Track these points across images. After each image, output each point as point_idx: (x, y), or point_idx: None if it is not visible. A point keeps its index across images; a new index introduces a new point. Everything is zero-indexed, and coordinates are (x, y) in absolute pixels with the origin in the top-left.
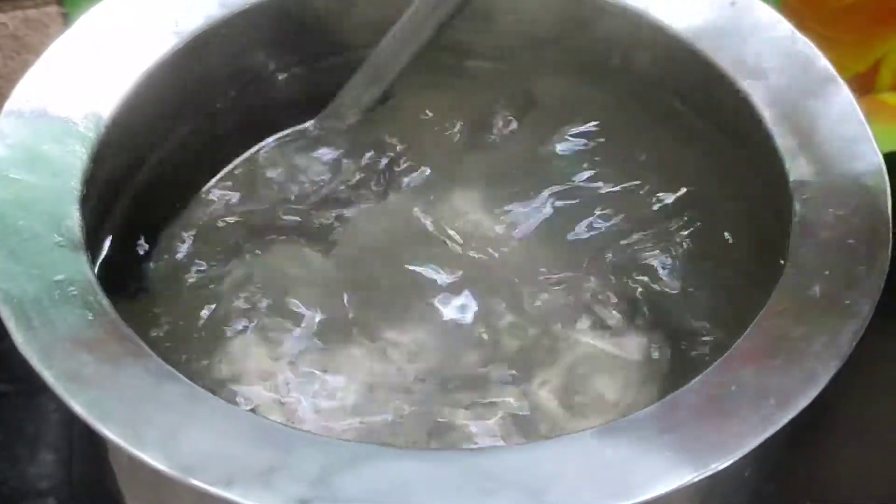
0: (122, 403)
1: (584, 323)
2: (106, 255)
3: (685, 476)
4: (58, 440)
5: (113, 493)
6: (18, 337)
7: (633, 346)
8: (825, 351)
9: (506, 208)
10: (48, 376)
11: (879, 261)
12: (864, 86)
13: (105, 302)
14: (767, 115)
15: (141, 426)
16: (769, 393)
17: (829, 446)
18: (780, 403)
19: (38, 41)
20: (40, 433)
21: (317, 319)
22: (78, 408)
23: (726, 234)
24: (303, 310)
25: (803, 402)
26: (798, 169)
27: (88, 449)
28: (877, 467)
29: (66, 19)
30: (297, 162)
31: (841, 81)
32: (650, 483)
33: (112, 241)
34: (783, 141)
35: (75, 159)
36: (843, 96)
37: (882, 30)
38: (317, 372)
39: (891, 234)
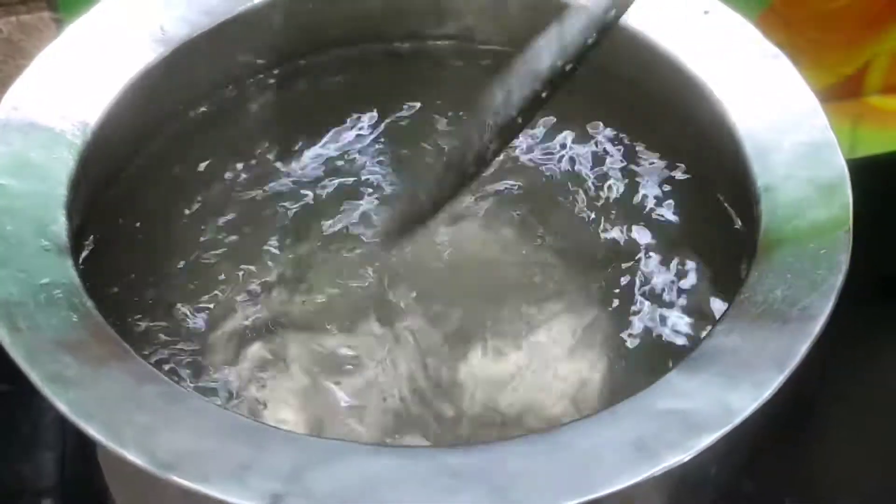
0: (105, 403)
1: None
2: (89, 258)
3: (645, 471)
4: (54, 440)
5: (101, 491)
6: (6, 338)
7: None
8: (783, 353)
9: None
10: (34, 377)
11: (839, 264)
12: (852, 89)
13: (89, 304)
14: (737, 122)
15: (122, 425)
16: (727, 393)
17: (810, 446)
18: (736, 404)
19: (32, 46)
20: (37, 432)
21: None
22: (62, 407)
23: (692, 238)
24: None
25: (757, 402)
26: (765, 175)
27: (79, 448)
28: (858, 467)
29: (60, 25)
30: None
31: (809, 89)
32: (611, 479)
33: (95, 244)
34: (752, 148)
35: (62, 165)
36: (811, 103)
37: (870, 33)
38: None
39: (851, 240)
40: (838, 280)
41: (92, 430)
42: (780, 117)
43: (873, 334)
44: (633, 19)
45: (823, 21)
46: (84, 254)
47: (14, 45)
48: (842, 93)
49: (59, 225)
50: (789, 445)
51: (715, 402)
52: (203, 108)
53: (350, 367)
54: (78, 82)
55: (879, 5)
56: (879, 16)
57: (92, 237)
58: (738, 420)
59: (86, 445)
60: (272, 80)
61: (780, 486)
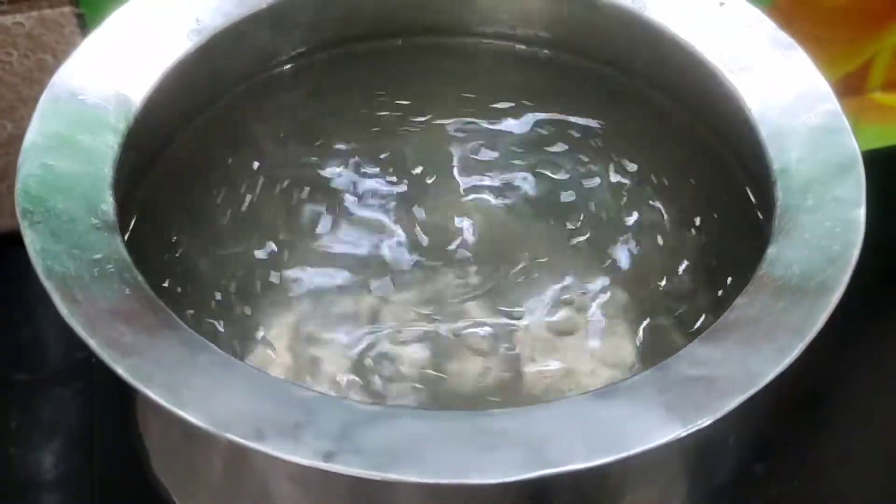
0: (160, 369)
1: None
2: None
3: (674, 431)
4: (73, 429)
5: (142, 462)
6: (63, 309)
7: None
8: (801, 325)
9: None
10: (93, 344)
11: (854, 240)
12: (855, 85)
13: (140, 278)
14: (753, 107)
15: (178, 388)
16: (750, 360)
17: (820, 431)
18: (759, 370)
19: (54, 40)
20: (56, 422)
21: None
22: (122, 372)
23: (710, 220)
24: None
25: (780, 367)
26: (781, 157)
27: (114, 425)
28: (867, 452)
29: (81, 20)
30: None
31: (821, 75)
32: (642, 438)
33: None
34: (767, 131)
35: (107, 148)
36: (824, 89)
37: (872, 30)
38: None
39: (865, 216)
40: (853, 254)
41: (151, 393)
42: (793, 103)
43: (879, 324)
44: (650, 10)
45: (826, 18)
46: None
47: (35, 40)
48: (845, 89)
49: (108, 204)
50: (800, 430)
51: (738, 367)
52: (237, 96)
53: None
54: (119, 69)
55: (882, 3)
56: (882, 13)
57: (133, 218)
58: (762, 384)
59: (122, 419)
60: (305, 69)
61: (791, 469)
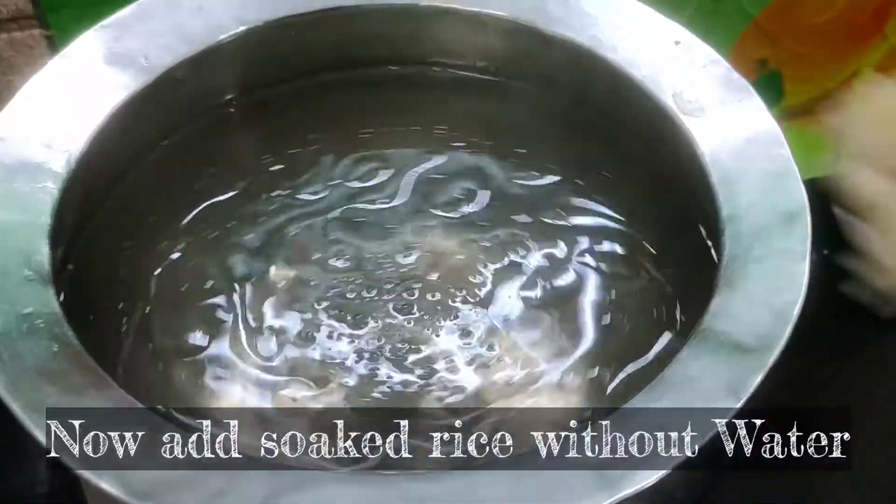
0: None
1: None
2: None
3: (605, 499)
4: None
5: None
6: None
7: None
8: (737, 386)
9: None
10: (15, 408)
11: (796, 295)
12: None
13: (70, 333)
14: (704, 150)
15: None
16: (681, 423)
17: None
18: (690, 435)
19: (23, 62)
20: (31, 441)
21: None
22: (41, 438)
23: (658, 267)
24: None
25: (710, 434)
26: (729, 204)
27: None
28: (847, 482)
29: (50, 42)
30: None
31: (772, 118)
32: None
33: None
34: (717, 176)
35: (46, 195)
36: (774, 134)
37: (855, 47)
38: None
39: (808, 270)
40: (794, 312)
41: (68, 461)
42: (745, 146)
43: (859, 338)
44: (606, 49)
45: (807, 35)
46: (65, 281)
47: (5, 62)
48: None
49: (43, 255)
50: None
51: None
52: (183, 136)
53: None
54: (62, 113)
55: (863, 20)
56: (863, 30)
57: (73, 264)
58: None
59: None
60: (251, 107)
61: (759, 496)
